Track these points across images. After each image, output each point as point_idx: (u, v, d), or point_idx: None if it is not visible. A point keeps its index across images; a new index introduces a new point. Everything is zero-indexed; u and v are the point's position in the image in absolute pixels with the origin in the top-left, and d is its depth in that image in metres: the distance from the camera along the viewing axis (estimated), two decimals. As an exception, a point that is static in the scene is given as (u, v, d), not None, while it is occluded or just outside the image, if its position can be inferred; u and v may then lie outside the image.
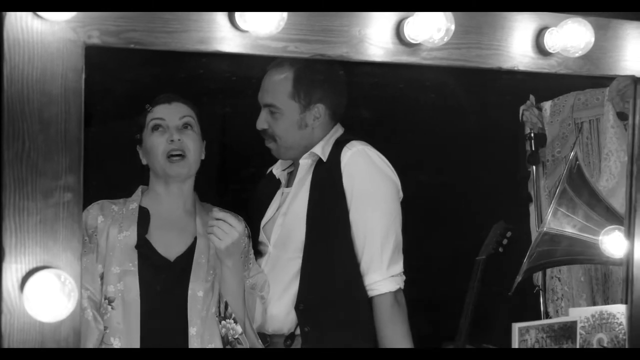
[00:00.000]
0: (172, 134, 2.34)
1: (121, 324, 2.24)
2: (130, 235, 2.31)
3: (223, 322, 2.32)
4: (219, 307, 2.33)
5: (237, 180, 3.07)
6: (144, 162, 2.40)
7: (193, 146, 2.36)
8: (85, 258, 2.24)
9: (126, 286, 2.25)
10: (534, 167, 3.35)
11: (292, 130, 2.53)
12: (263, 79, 2.56)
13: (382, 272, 2.47)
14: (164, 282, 2.29)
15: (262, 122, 2.55)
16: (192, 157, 2.36)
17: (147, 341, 2.24)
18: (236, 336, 2.32)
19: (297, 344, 2.48)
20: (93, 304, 2.25)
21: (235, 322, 2.32)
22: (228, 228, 2.24)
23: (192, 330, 2.27)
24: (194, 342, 2.27)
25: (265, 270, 2.53)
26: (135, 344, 2.23)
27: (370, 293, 2.48)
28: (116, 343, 2.23)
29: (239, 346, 2.33)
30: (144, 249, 2.31)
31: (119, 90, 2.46)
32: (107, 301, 2.25)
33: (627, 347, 2.34)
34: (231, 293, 2.32)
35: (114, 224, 2.32)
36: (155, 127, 2.36)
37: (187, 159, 2.35)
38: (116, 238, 2.30)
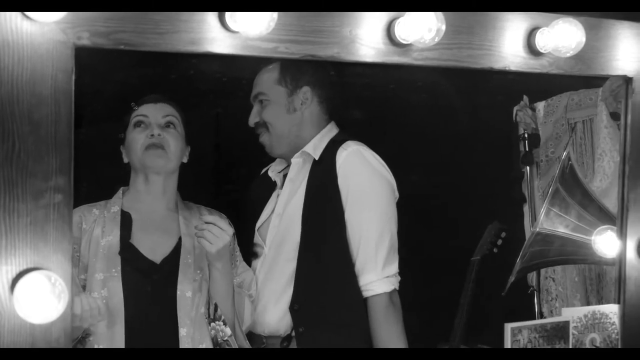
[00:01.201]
0: (153, 129, 2.35)
1: (105, 331, 2.22)
2: (113, 240, 2.30)
3: (212, 324, 2.32)
4: (209, 308, 2.33)
5: (227, 180, 3.07)
6: (126, 160, 2.40)
7: (174, 143, 2.37)
8: None
9: (110, 292, 2.24)
10: (527, 167, 3.35)
11: (281, 115, 2.54)
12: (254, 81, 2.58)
13: (377, 273, 2.47)
14: (151, 285, 2.29)
15: (254, 116, 2.57)
16: (172, 153, 2.37)
17: (133, 346, 2.22)
18: (225, 338, 2.32)
19: (293, 345, 2.48)
20: None
21: (225, 324, 2.32)
22: (219, 232, 2.24)
23: (183, 331, 2.26)
24: (185, 343, 2.26)
25: (262, 272, 2.53)
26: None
27: (365, 294, 2.48)
28: None
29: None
30: (129, 254, 2.30)
31: (109, 92, 2.45)
32: None
33: (619, 346, 2.34)
34: (221, 295, 2.32)
35: (96, 228, 2.30)
36: (138, 124, 2.37)
37: (166, 152, 2.35)
38: (99, 243, 2.28)
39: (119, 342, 2.22)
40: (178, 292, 2.28)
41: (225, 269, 2.31)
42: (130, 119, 2.38)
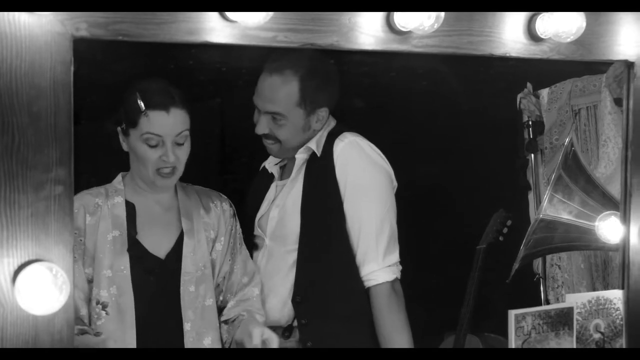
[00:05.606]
0: (167, 151, 2.23)
1: (117, 330, 2.22)
2: (120, 235, 2.28)
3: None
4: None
5: (228, 170, 3.07)
6: (126, 148, 2.30)
7: (184, 157, 2.29)
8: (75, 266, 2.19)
9: (119, 290, 2.24)
10: (532, 155, 3.35)
11: (297, 134, 2.51)
12: (260, 82, 2.48)
13: (378, 262, 2.48)
14: (157, 282, 2.29)
15: (264, 127, 2.50)
16: (181, 165, 2.29)
17: (143, 344, 2.23)
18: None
19: (295, 335, 2.49)
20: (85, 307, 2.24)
21: None
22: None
23: (187, 326, 2.27)
24: (189, 338, 2.27)
25: (262, 263, 2.54)
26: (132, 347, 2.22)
27: (367, 283, 2.49)
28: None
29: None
30: (136, 250, 2.29)
31: (109, 82, 2.44)
32: (100, 306, 2.23)
33: (624, 332, 2.33)
34: None
35: (102, 222, 2.27)
36: (149, 141, 2.24)
37: (177, 170, 2.29)
38: (105, 238, 2.26)
39: (131, 340, 2.22)
40: (182, 287, 2.29)
41: None
42: (139, 125, 2.22)
